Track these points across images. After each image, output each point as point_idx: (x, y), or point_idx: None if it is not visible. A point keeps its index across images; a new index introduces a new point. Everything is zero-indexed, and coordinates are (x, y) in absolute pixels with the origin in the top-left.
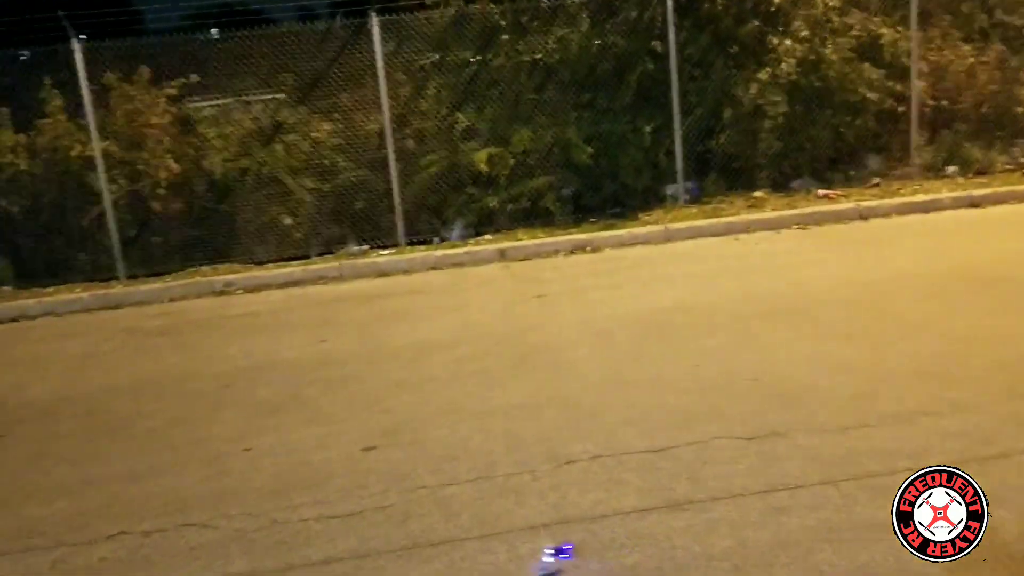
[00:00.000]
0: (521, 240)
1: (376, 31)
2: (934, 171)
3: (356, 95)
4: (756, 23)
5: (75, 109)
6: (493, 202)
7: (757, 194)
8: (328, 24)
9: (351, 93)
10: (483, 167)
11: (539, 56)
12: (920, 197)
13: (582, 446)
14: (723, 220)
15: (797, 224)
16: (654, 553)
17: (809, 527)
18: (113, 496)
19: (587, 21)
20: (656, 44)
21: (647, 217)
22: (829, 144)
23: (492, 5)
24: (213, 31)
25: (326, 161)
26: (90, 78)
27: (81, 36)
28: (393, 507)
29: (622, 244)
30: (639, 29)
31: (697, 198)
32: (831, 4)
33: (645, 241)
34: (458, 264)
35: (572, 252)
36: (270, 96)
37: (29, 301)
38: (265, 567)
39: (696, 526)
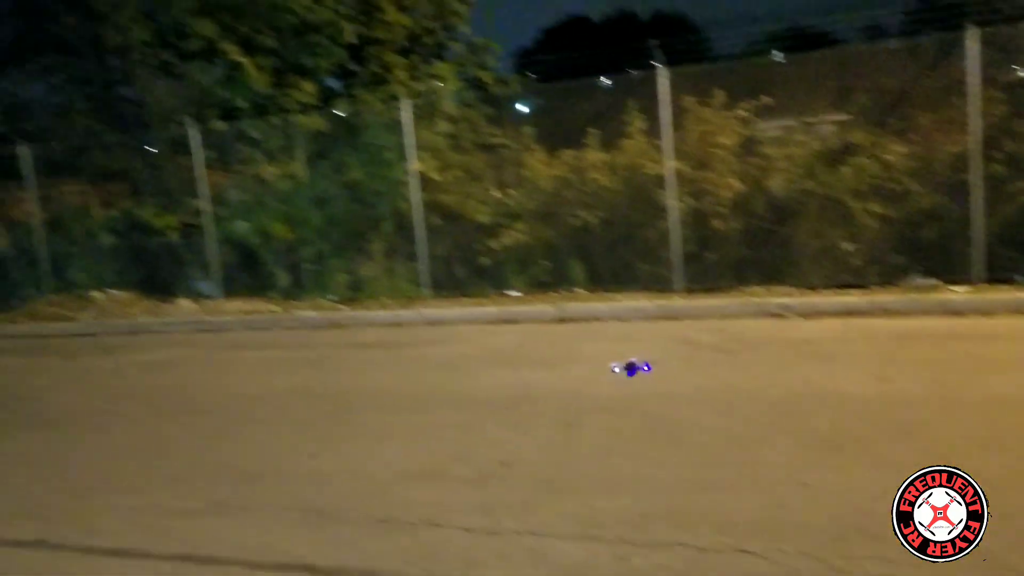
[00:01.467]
0: None
1: (972, 45)
2: None
3: (936, 114)
4: None
5: (652, 130)
6: None
7: None
8: (908, 42)
9: (930, 112)
10: None
11: None
12: None
13: None
14: None
15: None
16: None
17: None
18: (671, 502)
19: None
20: None
21: None
22: None
23: None
24: (777, 54)
25: (895, 185)
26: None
27: (664, 64)
28: None
29: None
30: None
31: None
32: None
33: None
34: None
35: None
36: (835, 117)
37: (600, 304)
38: None
39: None
